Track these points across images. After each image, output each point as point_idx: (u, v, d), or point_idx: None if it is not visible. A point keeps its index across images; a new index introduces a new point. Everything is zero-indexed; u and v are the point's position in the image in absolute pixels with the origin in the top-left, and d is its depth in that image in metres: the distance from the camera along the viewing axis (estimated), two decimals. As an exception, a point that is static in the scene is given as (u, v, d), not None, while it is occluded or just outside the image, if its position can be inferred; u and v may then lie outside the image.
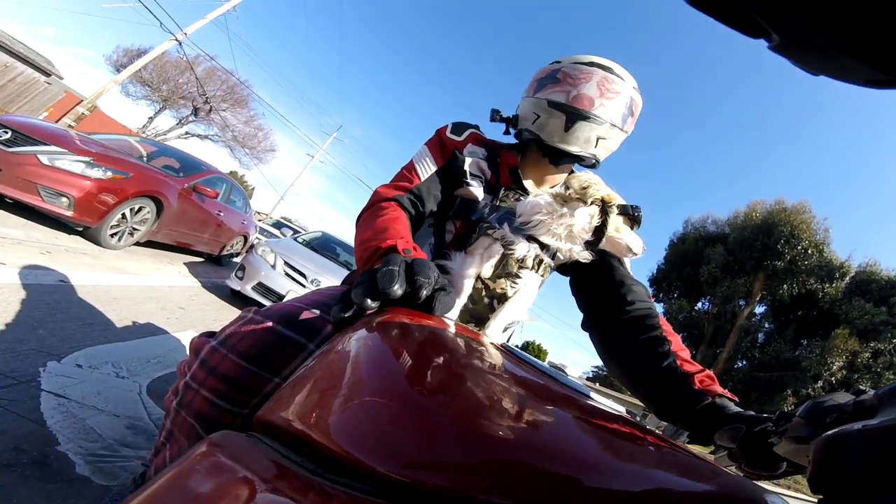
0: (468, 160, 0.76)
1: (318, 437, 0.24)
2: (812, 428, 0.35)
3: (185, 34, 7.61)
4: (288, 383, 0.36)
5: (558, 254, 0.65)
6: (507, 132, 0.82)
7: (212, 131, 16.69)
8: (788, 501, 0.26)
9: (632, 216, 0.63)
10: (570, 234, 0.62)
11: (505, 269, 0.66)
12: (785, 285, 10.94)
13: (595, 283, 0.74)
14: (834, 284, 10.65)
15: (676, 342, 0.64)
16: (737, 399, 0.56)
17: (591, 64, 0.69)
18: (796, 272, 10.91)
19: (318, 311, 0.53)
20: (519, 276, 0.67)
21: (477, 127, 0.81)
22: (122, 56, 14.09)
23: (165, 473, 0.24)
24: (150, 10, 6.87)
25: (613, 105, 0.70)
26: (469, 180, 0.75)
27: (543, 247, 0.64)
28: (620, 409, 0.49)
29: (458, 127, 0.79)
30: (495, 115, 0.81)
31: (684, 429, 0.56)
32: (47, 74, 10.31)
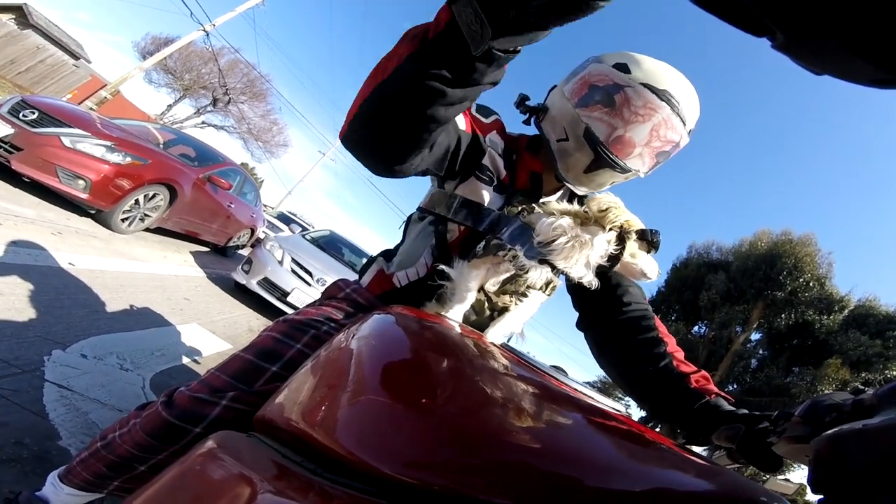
0: (488, 150, 0.66)
1: (318, 437, 0.24)
2: (811, 427, 0.34)
3: (214, 25, 7.78)
4: (288, 383, 0.36)
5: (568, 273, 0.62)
6: (527, 122, 0.71)
7: (228, 122, 16.95)
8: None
9: (650, 241, 0.59)
10: (587, 262, 0.59)
11: (513, 287, 0.64)
12: (783, 315, 11.02)
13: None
14: (832, 317, 10.73)
15: (672, 344, 0.63)
16: (732, 399, 0.55)
17: (664, 95, 0.57)
18: (796, 303, 11.00)
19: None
20: (526, 295, 0.65)
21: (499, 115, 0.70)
22: (150, 43, 14.42)
23: (168, 472, 0.25)
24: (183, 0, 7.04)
25: (653, 156, 0.62)
26: (481, 174, 0.66)
27: (555, 269, 0.61)
28: (620, 409, 0.48)
29: (484, 109, 0.69)
30: (522, 102, 0.70)
31: (681, 429, 0.55)
32: (76, 58, 10.59)
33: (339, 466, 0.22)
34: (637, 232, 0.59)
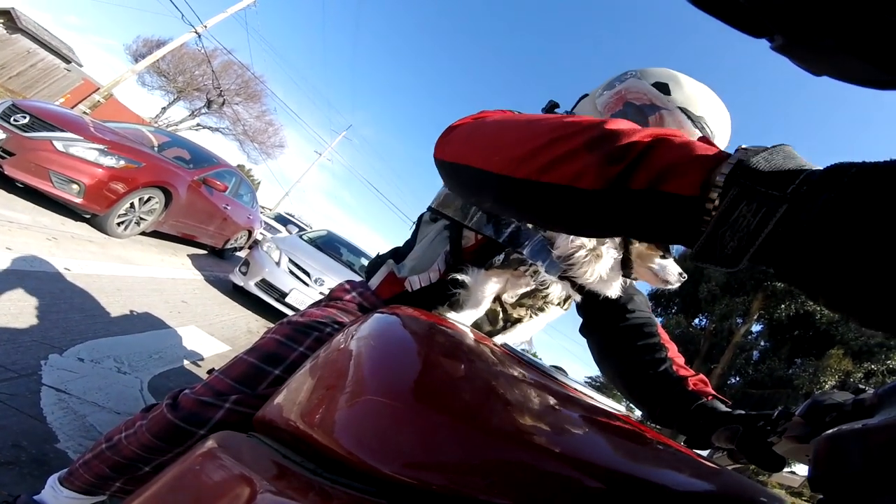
0: None
1: (318, 437, 0.24)
2: (811, 427, 0.34)
3: (205, 27, 7.72)
4: (288, 383, 0.36)
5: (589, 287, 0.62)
6: None
7: (223, 124, 16.85)
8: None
9: (663, 245, 0.57)
10: (601, 274, 0.59)
11: (530, 300, 0.64)
12: (783, 305, 11.06)
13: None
14: None
15: (672, 350, 0.64)
16: (729, 402, 0.56)
17: (699, 122, 0.56)
18: (795, 294, 11.06)
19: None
20: (543, 310, 0.65)
21: None
22: (142, 46, 14.31)
23: (168, 472, 0.25)
24: (173, 1, 6.98)
25: None
26: None
27: (575, 285, 0.60)
28: (621, 409, 0.48)
29: None
30: (551, 109, 0.68)
31: (680, 433, 0.55)
32: (67, 61, 10.49)
33: (339, 466, 0.22)
34: None
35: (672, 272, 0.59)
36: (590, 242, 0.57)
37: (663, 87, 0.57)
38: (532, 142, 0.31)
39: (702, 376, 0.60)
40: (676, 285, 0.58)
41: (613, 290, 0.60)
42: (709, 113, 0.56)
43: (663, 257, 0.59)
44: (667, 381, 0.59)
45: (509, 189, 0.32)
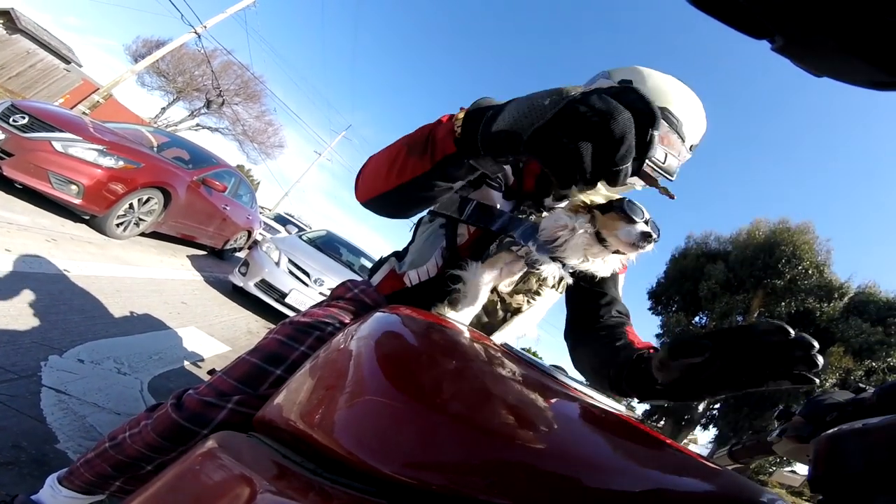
0: None
1: (318, 437, 0.24)
2: (812, 426, 0.34)
3: (205, 27, 7.71)
4: (288, 383, 0.36)
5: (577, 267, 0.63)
6: None
7: (223, 124, 16.83)
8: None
9: (619, 210, 0.57)
10: (581, 251, 0.60)
11: (525, 286, 0.65)
12: (783, 303, 11.07)
13: (583, 297, 0.74)
14: (832, 304, 10.81)
15: (633, 333, 0.66)
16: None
17: (663, 113, 0.58)
18: (795, 291, 11.05)
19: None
20: (539, 294, 0.66)
21: None
22: (142, 46, 14.27)
23: (168, 472, 0.25)
24: (173, 2, 6.97)
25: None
26: (491, 181, 0.69)
27: (566, 265, 0.62)
28: (620, 408, 0.48)
29: None
30: None
31: (632, 391, 0.55)
32: (67, 62, 10.48)
33: (339, 466, 0.22)
34: (600, 206, 0.59)
35: (630, 232, 0.57)
36: (570, 222, 0.59)
37: (627, 84, 0.60)
38: (391, 162, 0.51)
39: (652, 344, 0.62)
40: (648, 248, 0.57)
41: (598, 268, 0.61)
42: (673, 103, 0.60)
43: (630, 222, 0.57)
44: (623, 352, 0.60)
45: (400, 194, 0.51)
